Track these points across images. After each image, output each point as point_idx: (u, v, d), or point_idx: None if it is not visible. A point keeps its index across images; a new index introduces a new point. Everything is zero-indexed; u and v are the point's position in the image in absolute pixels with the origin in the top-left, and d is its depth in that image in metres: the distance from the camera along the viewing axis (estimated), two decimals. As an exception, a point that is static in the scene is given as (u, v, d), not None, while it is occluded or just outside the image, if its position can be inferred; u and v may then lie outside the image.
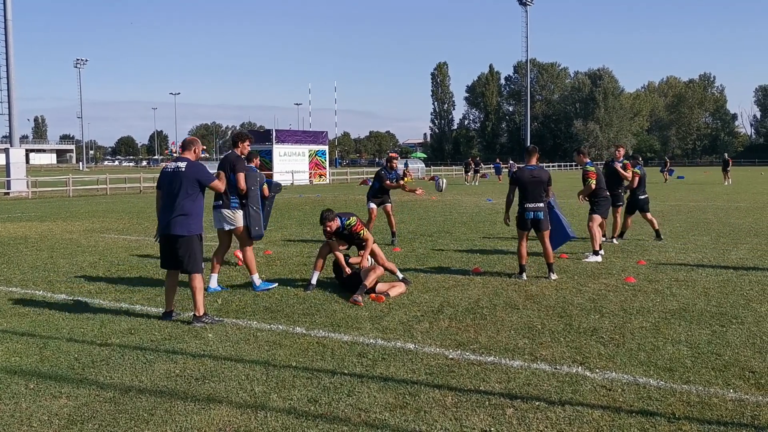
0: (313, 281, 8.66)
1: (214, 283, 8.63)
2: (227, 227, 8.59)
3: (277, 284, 8.77)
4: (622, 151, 13.36)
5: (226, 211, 8.51)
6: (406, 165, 54.26)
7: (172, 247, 7.00)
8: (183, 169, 6.93)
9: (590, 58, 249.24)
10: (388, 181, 13.05)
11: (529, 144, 11.37)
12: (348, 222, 8.61)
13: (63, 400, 4.81)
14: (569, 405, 4.64)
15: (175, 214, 6.90)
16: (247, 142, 8.64)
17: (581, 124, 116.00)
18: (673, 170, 47.89)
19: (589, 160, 11.57)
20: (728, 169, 41.59)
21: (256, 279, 8.63)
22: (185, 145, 7.23)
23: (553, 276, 9.30)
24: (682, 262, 10.68)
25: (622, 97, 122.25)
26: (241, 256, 9.51)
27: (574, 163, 13.06)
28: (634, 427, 4.27)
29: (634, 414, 4.48)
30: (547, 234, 9.38)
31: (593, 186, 11.22)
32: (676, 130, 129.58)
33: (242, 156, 8.57)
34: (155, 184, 7.45)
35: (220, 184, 7.48)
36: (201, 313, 6.95)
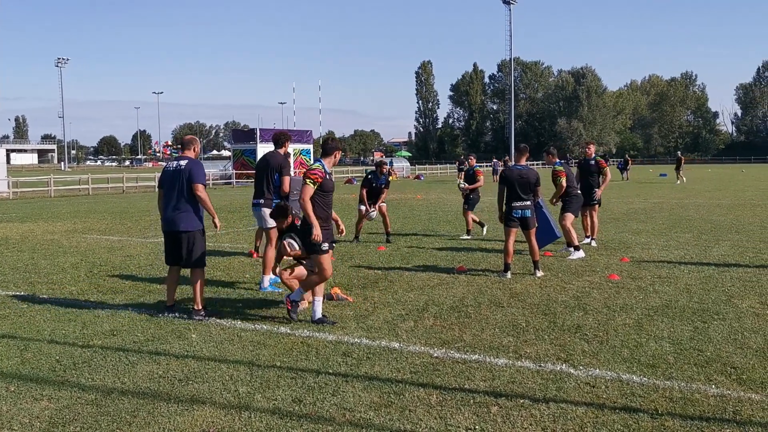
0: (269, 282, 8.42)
1: (266, 283, 8.56)
2: (267, 225, 8.65)
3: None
4: (592, 148, 13.14)
5: (266, 210, 8.62)
6: (390, 164, 54.29)
7: (176, 242, 7.16)
8: (183, 167, 7.11)
9: (573, 57, 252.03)
10: (366, 189, 13.39)
11: (519, 143, 11.37)
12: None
13: (44, 402, 4.76)
14: (553, 402, 4.66)
15: (178, 210, 7.09)
16: (288, 143, 9.18)
17: (565, 122, 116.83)
18: (629, 170, 47.40)
19: (558, 160, 11.58)
20: (681, 168, 40.76)
21: (266, 280, 8.55)
22: (185, 145, 7.44)
23: (539, 273, 9.38)
24: (665, 259, 10.77)
25: (605, 95, 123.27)
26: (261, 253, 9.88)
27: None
28: (617, 424, 4.29)
29: (617, 410, 4.51)
30: (533, 232, 9.51)
31: (564, 184, 11.26)
32: (659, 128, 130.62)
33: (287, 156, 8.98)
34: (151, 184, 7.45)
35: (203, 192, 7.14)
36: (200, 308, 7.09)
